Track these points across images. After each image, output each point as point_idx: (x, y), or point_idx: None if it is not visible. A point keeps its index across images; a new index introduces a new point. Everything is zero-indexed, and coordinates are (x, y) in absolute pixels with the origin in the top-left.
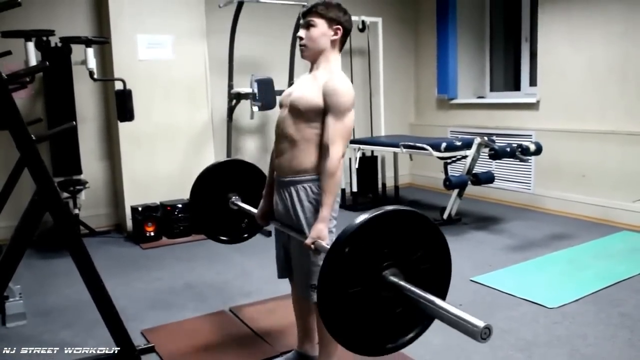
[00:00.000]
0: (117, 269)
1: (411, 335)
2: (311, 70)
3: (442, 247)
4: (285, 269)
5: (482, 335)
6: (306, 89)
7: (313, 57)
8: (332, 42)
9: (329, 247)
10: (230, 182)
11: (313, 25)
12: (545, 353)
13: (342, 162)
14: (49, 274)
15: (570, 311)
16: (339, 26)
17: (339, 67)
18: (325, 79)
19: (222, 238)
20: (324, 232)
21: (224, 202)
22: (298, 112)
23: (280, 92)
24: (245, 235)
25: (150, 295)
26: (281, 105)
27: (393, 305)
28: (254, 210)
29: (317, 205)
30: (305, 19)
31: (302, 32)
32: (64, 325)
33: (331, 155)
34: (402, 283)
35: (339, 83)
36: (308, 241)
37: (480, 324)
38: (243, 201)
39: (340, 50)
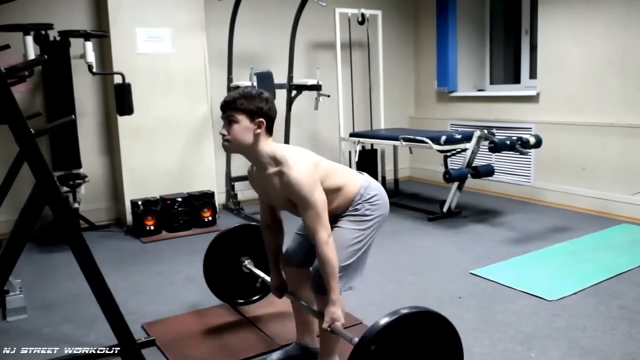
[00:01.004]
0: (117, 263)
1: None
2: (255, 165)
3: (456, 346)
4: (302, 257)
5: None
6: (272, 192)
7: (239, 152)
8: (256, 135)
9: (342, 326)
10: (241, 245)
11: (235, 121)
12: (544, 345)
13: (331, 241)
14: (49, 268)
15: (569, 304)
16: (262, 118)
17: (275, 147)
18: (278, 176)
19: (238, 301)
20: (337, 314)
21: (237, 266)
22: (282, 207)
23: (279, 85)
24: (259, 296)
25: (150, 289)
26: (259, 195)
27: None
28: (267, 278)
29: (356, 213)
30: (225, 114)
31: (223, 129)
32: (64, 319)
33: (317, 242)
34: None
35: (290, 175)
36: (324, 325)
37: None
38: (255, 264)
39: (270, 134)
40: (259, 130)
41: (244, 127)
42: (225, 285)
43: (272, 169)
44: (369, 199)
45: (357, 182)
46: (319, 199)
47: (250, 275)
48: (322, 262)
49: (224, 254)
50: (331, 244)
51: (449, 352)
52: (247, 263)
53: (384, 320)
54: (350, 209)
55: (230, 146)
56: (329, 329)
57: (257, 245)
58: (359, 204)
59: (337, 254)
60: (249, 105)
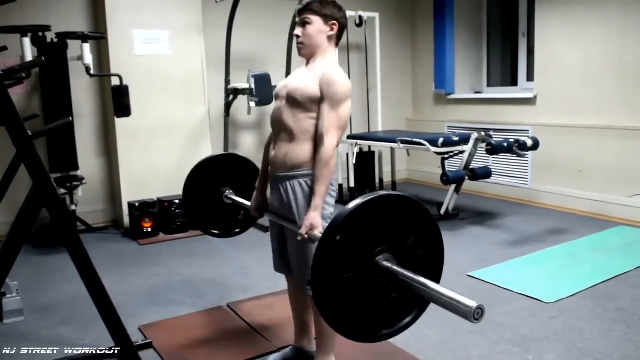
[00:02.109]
0: (115, 265)
1: (407, 320)
2: (307, 64)
3: (434, 232)
4: (281, 264)
5: (475, 315)
6: (303, 79)
7: (311, 54)
8: (329, 37)
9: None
10: (224, 176)
11: (309, 23)
12: (542, 347)
13: (336, 151)
14: (46, 270)
15: (567, 306)
16: (335, 22)
17: (336, 61)
18: (322, 70)
19: (215, 232)
20: (316, 220)
21: (218, 196)
22: (295, 103)
23: None
24: (239, 230)
25: (147, 291)
26: (277, 97)
27: (387, 290)
28: (248, 203)
29: (311, 199)
30: (300, 17)
31: (298, 30)
32: (61, 321)
33: (325, 144)
34: (396, 268)
35: (335, 74)
36: (302, 231)
37: (473, 304)
38: (237, 195)
39: (337, 45)
40: (331, 33)
41: (317, 29)
42: (205, 215)
43: (320, 65)
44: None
45: None
46: (347, 110)
47: (231, 206)
48: (321, 163)
49: (205, 183)
50: (335, 155)
51: (426, 238)
52: (229, 193)
53: (350, 206)
54: (309, 183)
55: (303, 47)
56: (305, 235)
57: (239, 177)
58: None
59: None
60: (323, 10)
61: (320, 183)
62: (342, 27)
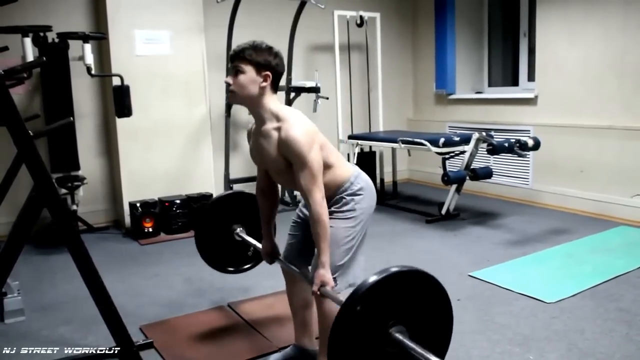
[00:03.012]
0: (116, 265)
1: None
2: (256, 121)
3: (446, 308)
4: (295, 255)
5: None
6: (266, 151)
7: (245, 104)
8: (262, 88)
9: (333, 289)
10: (234, 213)
11: (241, 72)
12: (543, 347)
13: (324, 203)
14: (47, 270)
15: (568, 306)
16: (268, 72)
17: (280, 106)
18: (277, 131)
19: (229, 269)
20: (326, 277)
21: (229, 233)
22: (274, 169)
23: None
24: (249, 265)
25: (148, 291)
26: (255, 161)
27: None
28: (258, 245)
29: (345, 209)
30: (232, 64)
31: (229, 78)
32: (62, 321)
33: (311, 202)
34: (407, 342)
35: (289, 131)
36: (314, 288)
37: None
38: (247, 232)
39: (275, 91)
40: (264, 84)
41: (249, 79)
42: (216, 253)
43: (271, 125)
44: (356, 190)
45: (348, 168)
46: (316, 158)
47: (241, 243)
48: (314, 222)
49: (216, 221)
50: (324, 206)
51: (438, 313)
52: (239, 231)
53: (371, 279)
54: (337, 197)
55: (235, 96)
56: (318, 292)
57: (249, 214)
58: (347, 195)
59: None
60: (257, 57)
61: (321, 240)
62: (278, 75)
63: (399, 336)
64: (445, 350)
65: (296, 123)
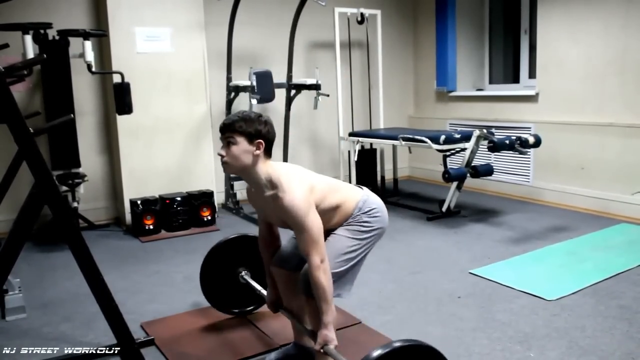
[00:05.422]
0: (116, 262)
1: None
2: (253, 186)
3: None
4: (284, 259)
5: None
6: (270, 213)
7: (240, 173)
8: (255, 156)
9: (335, 349)
10: (239, 256)
11: (233, 143)
12: (543, 345)
13: (324, 265)
14: (48, 267)
15: (568, 303)
16: (261, 140)
17: (273, 169)
18: (273, 199)
19: (234, 311)
20: (329, 336)
21: (234, 276)
22: (278, 225)
23: (279, 85)
24: (254, 307)
25: (149, 289)
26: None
27: None
28: (263, 292)
29: (354, 222)
30: (224, 136)
31: (222, 150)
32: (63, 318)
33: (310, 266)
34: None
35: (284, 200)
36: (317, 347)
37: None
38: (252, 275)
39: (269, 156)
40: (257, 152)
41: (242, 149)
42: (221, 294)
43: (268, 192)
44: (367, 211)
45: (355, 196)
46: (314, 223)
47: (246, 286)
48: (314, 286)
49: (222, 263)
50: (323, 269)
51: None
52: (244, 274)
53: (374, 354)
54: (349, 220)
55: (229, 167)
56: (321, 350)
57: (254, 257)
58: (358, 216)
59: (329, 261)
60: (247, 128)
61: (322, 303)
62: (270, 142)
63: None
64: None
65: (290, 189)
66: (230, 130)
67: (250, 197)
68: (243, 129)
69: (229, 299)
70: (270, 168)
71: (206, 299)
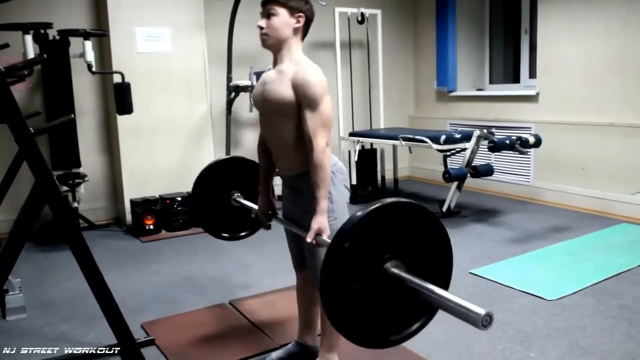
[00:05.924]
0: (117, 262)
1: (415, 326)
2: (275, 63)
3: (442, 237)
4: (296, 259)
5: (483, 322)
6: (275, 86)
7: (275, 47)
8: (295, 30)
9: (330, 240)
10: (231, 179)
11: (274, 14)
12: (544, 345)
13: (328, 151)
14: (49, 267)
15: (569, 303)
16: (301, 14)
17: (303, 55)
18: (293, 72)
19: (224, 235)
20: (323, 224)
21: (226, 199)
22: (276, 112)
23: None
24: (246, 232)
25: (149, 289)
26: (256, 107)
27: (396, 297)
28: (255, 207)
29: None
30: (265, 8)
31: (262, 22)
32: (63, 318)
33: (315, 147)
34: (404, 275)
35: (307, 74)
36: (309, 236)
37: (481, 311)
38: (245, 198)
39: (303, 39)
40: (297, 25)
41: (283, 21)
42: (214, 219)
43: (289, 67)
44: (335, 170)
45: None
46: (328, 106)
47: (239, 209)
48: (315, 167)
49: (213, 186)
50: (328, 153)
51: (436, 245)
52: (237, 196)
53: (358, 214)
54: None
55: (267, 39)
56: (313, 242)
57: (248, 180)
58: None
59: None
60: (289, 1)
61: (319, 187)
62: (309, 20)
63: (396, 270)
64: (447, 282)
65: (314, 69)
66: (271, 1)
67: (259, 84)
68: (285, 1)
69: (221, 223)
70: (301, 53)
71: (197, 223)
